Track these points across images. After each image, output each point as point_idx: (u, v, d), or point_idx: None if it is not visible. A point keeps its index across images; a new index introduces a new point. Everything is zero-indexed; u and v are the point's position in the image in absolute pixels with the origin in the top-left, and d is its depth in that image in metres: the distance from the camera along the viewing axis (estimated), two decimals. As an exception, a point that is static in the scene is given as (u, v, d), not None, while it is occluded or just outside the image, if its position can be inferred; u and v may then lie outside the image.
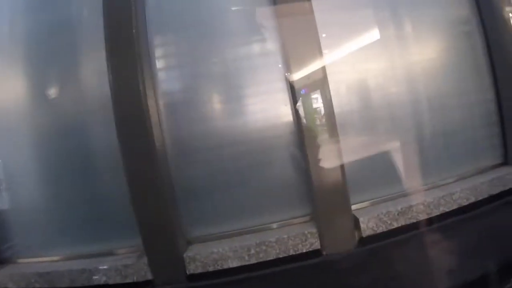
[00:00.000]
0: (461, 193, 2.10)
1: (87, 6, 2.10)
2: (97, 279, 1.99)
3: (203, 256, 1.92)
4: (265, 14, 2.02)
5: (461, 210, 2.09)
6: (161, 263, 1.95)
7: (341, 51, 2.11)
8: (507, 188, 2.20)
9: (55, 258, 2.22)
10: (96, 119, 2.09)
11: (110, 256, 2.11)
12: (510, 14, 2.24)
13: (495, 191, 2.17)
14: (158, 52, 2.06)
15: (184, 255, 1.93)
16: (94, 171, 2.13)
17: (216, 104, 2.10)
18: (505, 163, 2.38)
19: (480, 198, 2.13)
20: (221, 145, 2.03)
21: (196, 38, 2.07)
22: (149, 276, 1.95)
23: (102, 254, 2.13)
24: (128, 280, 1.97)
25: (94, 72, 2.08)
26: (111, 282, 1.98)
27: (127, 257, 2.05)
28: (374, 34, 2.12)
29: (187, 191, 2.04)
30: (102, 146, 2.08)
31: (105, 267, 1.99)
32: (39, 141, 2.20)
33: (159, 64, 2.06)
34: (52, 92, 2.18)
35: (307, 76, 1.94)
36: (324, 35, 1.96)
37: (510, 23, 2.25)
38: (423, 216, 2.01)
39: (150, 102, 1.92)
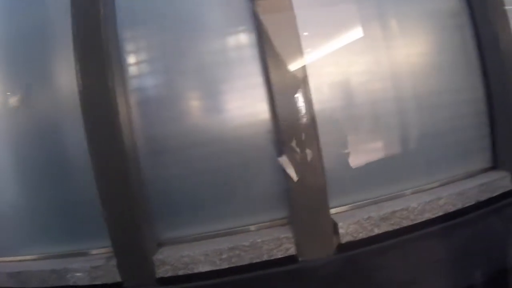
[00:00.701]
0: (448, 198, 1.92)
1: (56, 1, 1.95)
2: (67, 280, 1.86)
3: (173, 259, 1.77)
4: (243, 6, 1.86)
5: (448, 216, 1.91)
6: (130, 266, 1.80)
7: (323, 46, 1.94)
8: (495, 194, 2.02)
9: (26, 258, 2.08)
10: (68, 119, 1.93)
11: (81, 257, 1.96)
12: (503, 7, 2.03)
13: (484, 197, 1.99)
14: (128, 46, 1.89)
15: (154, 258, 1.78)
16: (66, 171, 1.98)
17: (190, 101, 1.94)
18: (494, 167, 2.19)
19: (467, 204, 1.95)
20: (194, 144, 1.87)
21: (170, 31, 1.90)
22: (118, 278, 1.80)
23: (73, 255, 1.98)
24: (97, 282, 1.83)
25: (67, 70, 1.90)
26: (80, 283, 1.84)
27: (97, 259, 1.91)
28: (358, 29, 1.94)
29: (158, 192, 1.88)
30: (74, 145, 1.92)
31: (74, 268, 1.85)
32: (10, 141, 2.06)
33: (129, 59, 1.89)
34: (24, 91, 2.02)
35: (287, 72, 1.78)
36: (305, 30, 1.80)
37: (503, 15, 2.04)
38: (406, 223, 1.84)
39: (120, 100, 1.76)
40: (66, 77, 1.92)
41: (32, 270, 1.91)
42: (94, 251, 1.97)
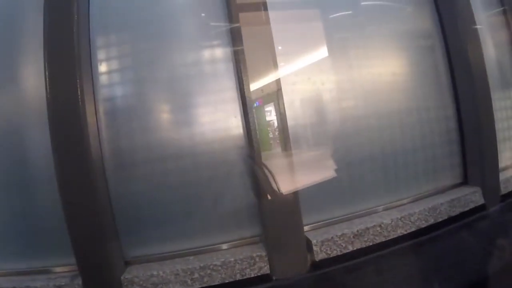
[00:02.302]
0: (420, 214, 1.85)
1: (28, 3, 1.76)
2: (28, 299, 1.66)
3: (142, 279, 1.61)
4: (219, 19, 1.74)
5: (420, 232, 1.84)
6: (96, 285, 1.62)
7: (297, 63, 1.84)
8: (466, 209, 1.97)
9: (-15, 274, 1.85)
10: (33, 127, 1.74)
11: (44, 275, 1.76)
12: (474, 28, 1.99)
13: (455, 212, 1.94)
14: (100, 54, 1.74)
15: (122, 277, 1.62)
16: (29, 181, 1.77)
17: (161, 113, 1.78)
18: (464, 182, 2.15)
19: (439, 219, 1.90)
20: (165, 158, 1.72)
21: (143, 40, 1.76)
22: (84, 299, 1.62)
23: (35, 272, 1.78)
24: (60, 302, 1.64)
25: (32, 75, 1.73)
26: (42, 303, 1.64)
27: (61, 277, 1.72)
28: (331, 48, 1.85)
29: (126, 208, 1.72)
30: (39, 156, 1.73)
31: (36, 286, 1.66)
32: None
33: (101, 67, 1.74)
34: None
35: (260, 87, 1.69)
36: (280, 46, 1.69)
37: (474, 35, 2.00)
38: (380, 239, 1.75)
39: (88, 108, 1.60)
40: (32, 83, 1.74)
41: (-10, 288, 1.70)
42: (57, 269, 1.78)
